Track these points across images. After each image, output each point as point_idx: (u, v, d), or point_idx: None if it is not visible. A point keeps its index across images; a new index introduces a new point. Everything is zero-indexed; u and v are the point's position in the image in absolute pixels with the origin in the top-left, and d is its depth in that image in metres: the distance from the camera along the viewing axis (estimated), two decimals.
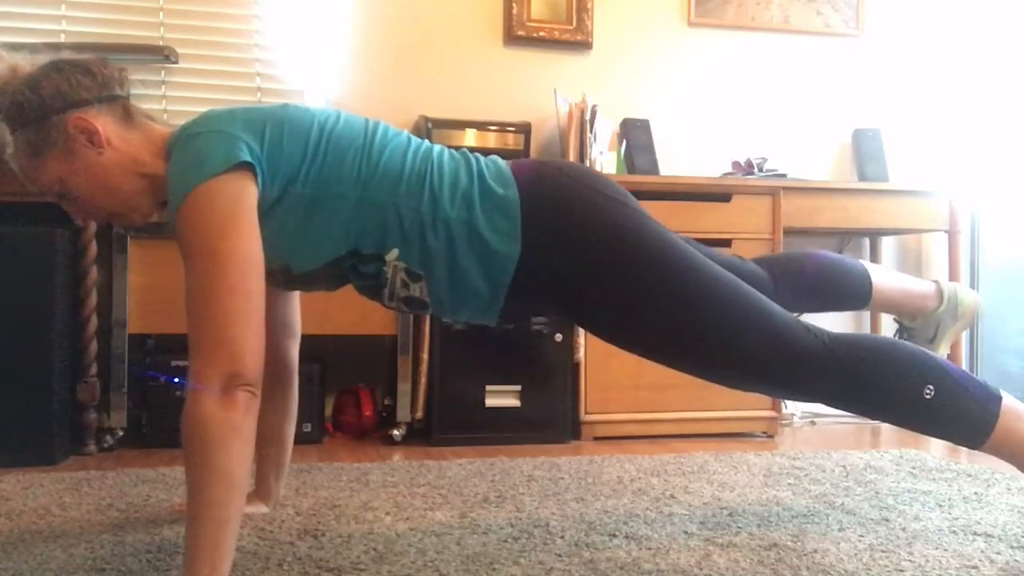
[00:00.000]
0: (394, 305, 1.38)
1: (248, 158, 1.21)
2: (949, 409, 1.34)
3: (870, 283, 1.68)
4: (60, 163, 1.27)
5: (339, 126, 1.33)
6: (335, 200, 1.28)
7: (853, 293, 1.68)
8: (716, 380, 1.39)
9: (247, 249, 1.17)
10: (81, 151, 1.27)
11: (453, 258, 1.31)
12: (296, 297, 1.64)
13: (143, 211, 1.36)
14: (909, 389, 1.34)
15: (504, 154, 2.84)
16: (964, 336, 3.11)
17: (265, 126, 1.26)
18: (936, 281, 1.75)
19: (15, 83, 1.26)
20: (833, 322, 2.96)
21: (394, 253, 1.31)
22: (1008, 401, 1.35)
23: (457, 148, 1.41)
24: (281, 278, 1.38)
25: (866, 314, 3.36)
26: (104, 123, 1.28)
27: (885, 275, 1.73)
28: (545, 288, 1.35)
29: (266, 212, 1.25)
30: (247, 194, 1.21)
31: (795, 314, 1.41)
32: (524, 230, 1.31)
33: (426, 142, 1.39)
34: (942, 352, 1.72)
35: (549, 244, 1.31)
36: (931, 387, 1.33)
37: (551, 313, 1.50)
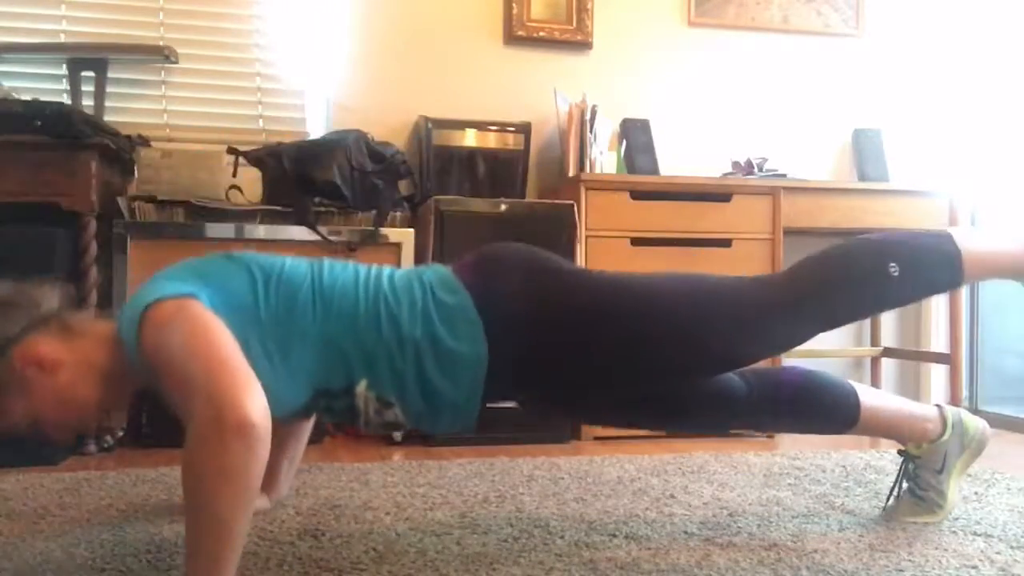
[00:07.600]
0: (370, 430, 1.36)
1: (197, 294, 1.18)
2: (919, 273, 1.38)
3: (858, 405, 1.55)
4: (21, 400, 1.23)
5: (285, 269, 1.31)
6: (297, 344, 1.26)
7: (837, 416, 1.55)
8: (729, 367, 1.42)
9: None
10: (36, 381, 1.22)
11: (423, 375, 1.29)
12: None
13: (122, 402, 1.33)
14: (875, 280, 1.36)
15: (505, 154, 2.90)
16: (964, 337, 3.10)
17: (208, 272, 1.25)
18: (939, 405, 1.62)
19: None
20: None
21: (363, 384, 1.29)
22: (955, 232, 1.40)
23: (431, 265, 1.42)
24: None
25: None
26: (47, 345, 1.23)
27: (877, 397, 1.60)
28: (519, 378, 1.35)
29: None
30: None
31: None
32: (486, 328, 1.30)
33: (374, 268, 1.38)
34: (953, 490, 1.60)
35: (512, 332, 1.31)
36: (893, 264, 1.36)
37: (529, 402, 1.49)
